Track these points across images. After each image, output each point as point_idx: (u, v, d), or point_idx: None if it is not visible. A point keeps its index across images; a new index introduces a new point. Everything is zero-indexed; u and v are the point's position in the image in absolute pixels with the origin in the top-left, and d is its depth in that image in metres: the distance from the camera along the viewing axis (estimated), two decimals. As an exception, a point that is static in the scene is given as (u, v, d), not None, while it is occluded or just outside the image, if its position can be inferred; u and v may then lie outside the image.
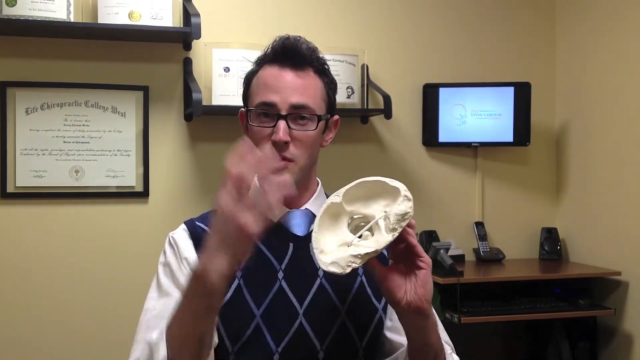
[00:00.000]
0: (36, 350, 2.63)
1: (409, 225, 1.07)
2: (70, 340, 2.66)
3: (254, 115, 1.20)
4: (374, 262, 1.07)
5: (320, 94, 1.23)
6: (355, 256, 1.02)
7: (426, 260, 1.08)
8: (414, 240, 1.07)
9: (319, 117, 1.22)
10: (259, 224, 0.90)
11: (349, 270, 1.01)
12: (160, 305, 1.15)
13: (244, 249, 0.93)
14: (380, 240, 1.03)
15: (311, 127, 1.20)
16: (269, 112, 1.18)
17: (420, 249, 1.08)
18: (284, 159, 1.18)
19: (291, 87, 1.19)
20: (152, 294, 1.20)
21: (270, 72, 1.21)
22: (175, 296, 1.14)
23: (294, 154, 1.19)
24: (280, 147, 1.17)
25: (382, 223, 1.05)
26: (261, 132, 1.19)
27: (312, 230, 1.08)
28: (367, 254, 1.02)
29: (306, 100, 1.20)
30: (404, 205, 1.05)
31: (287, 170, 1.17)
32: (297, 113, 1.19)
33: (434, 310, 1.14)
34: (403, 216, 1.04)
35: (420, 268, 1.07)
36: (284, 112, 1.18)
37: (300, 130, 1.19)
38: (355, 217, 1.09)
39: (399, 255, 1.09)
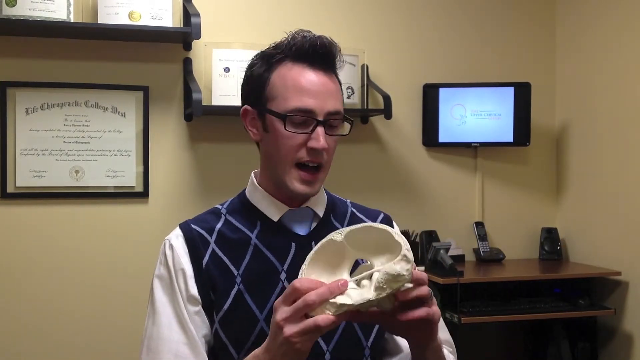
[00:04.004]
0: (35, 349, 2.63)
1: (423, 298, 0.97)
2: (70, 340, 2.66)
3: (289, 121, 1.15)
4: (366, 318, 1.00)
5: (342, 97, 1.22)
6: (332, 304, 0.94)
7: (436, 320, 1.01)
8: (421, 312, 0.97)
9: (351, 121, 1.21)
10: (308, 343, 0.95)
11: (322, 315, 0.94)
12: (155, 333, 1.16)
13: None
14: (363, 295, 0.94)
15: (340, 131, 1.19)
16: (306, 118, 1.15)
17: (430, 316, 0.99)
18: (319, 165, 1.17)
19: (326, 91, 1.16)
20: (149, 309, 1.20)
21: (301, 73, 1.16)
22: (167, 313, 1.15)
23: (325, 159, 1.18)
24: (317, 153, 1.15)
25: (375, 277, 0.95)
26: (296, 139, 1.15)
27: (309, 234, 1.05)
28: (342, 305, 0.93)
29: (339, 106, 1.18)
30: (399, 265, 0.94)
31: (317, 180, 1.18)
32: (332, 119, 1.17)
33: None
34: (395, 277, 0.93)
35: (430, 326, 1.01)
36: (320, 118, 1.15)
37: (332, 135, 1.18)
38: (358, 259, 1.03)
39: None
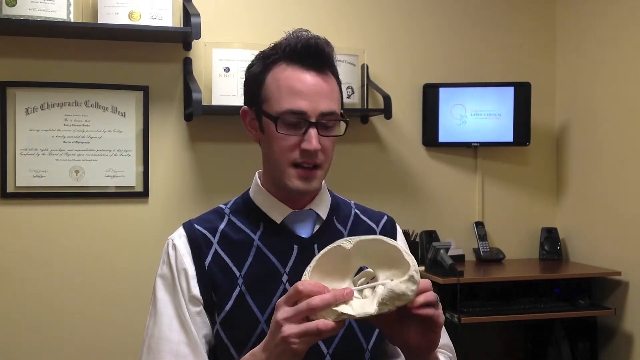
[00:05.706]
0: (35, 349, 2.63)
1: (429, 302, 0.98)
2: (70, 340, 2.66)
3: (280, 122, 1.14)
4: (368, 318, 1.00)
5: (339, 97, 1.21)
6: (333, 311, 0.95)
7: (440, 322, 1.01)
8: (429, 310, 0.98)
9: (346, 121, 1.20)
10: (305, 346, 0.96)
11: (324, 320, 0.95)
12: (156, 333, 1.16)
13: None
14: (365, 307, 0.95)
15: (336, 132, 1.18)
16: (298, 119, 1.14)
17: (436, 317, 1.00)
18: (315, 165, 1.16)
19: (319, 92, 1.15)
20: (151, 309, 1.20)
21: (294, 75, 1.15)
22: (168, 313, 1.15)
23: (322, 160, 1.17)
24: (311, 154, 1.14)
25: (379, 290, 0.96)
26: (289, 140, 1.15)
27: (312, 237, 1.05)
28: (342, 314, 0.95)
29: (333, 106, 1.17)
30: (404, 285, 0.95)
31: (315, 177, 1.17)
32: (326, 120, 1.16)
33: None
34: (399, 296, 0.95)
35: (433, 331, 1.02)
36: (313, 120, 1.14)
37: (328, 136, 1.17)
38: (360, 267, 1.03)
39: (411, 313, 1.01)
